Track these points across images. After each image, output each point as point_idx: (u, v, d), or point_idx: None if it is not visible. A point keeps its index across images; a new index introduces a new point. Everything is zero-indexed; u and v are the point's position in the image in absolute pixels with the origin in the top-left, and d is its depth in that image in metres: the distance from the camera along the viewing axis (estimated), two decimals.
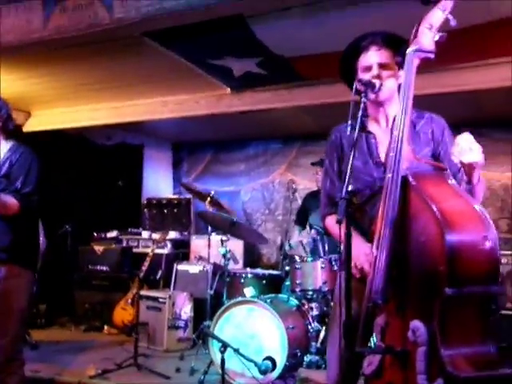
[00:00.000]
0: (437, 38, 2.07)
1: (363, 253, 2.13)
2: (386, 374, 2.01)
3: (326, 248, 4.31)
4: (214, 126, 6.84)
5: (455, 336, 1.82)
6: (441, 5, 2.05)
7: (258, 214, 7.74)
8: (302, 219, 5.34)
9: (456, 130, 2.24)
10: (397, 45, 2.25)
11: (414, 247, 1.92)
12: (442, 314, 1.81)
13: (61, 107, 6.30)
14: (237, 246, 5.99)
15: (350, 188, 1.90)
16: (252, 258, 6.87)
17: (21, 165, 3.10)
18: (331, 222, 2.38)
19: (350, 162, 1.95)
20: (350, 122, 2.03)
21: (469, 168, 1.99)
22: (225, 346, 3.75)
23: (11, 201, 3.00)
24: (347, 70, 2.39)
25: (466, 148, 1.96)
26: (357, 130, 2.00)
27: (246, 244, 6.33)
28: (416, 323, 1.86)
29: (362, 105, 2.09)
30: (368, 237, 2.20)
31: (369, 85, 2.17)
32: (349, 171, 1.93)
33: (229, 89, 5.49)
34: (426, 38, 2.07)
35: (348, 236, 1.89)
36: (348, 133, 2.02)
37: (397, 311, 1.99)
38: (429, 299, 1.85)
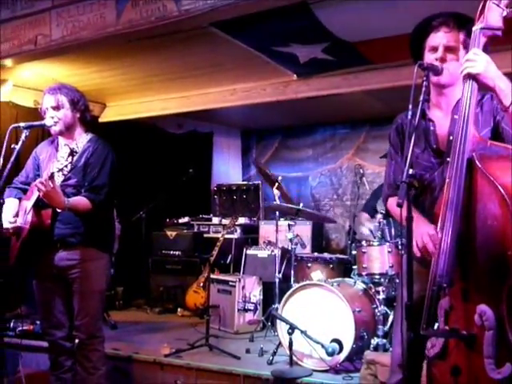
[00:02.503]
0: (505, 13, 1.98)
1: (426, 232, 2.10)
2: (450, 357, 2.02)
3: (393, 232, 4.30)
4: (282, 112, 6.89)
5: None
6: None
7: (327, 199, 7.76)
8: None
9: None
10: (469, 27, 2.16)
11: (480, 230, 1.90)
12: (511, 298, 1.80)
13: (134, 98, 6.51)
14: (305, 230, 6.03)
15: (410, 172, 1.91)
16: (321, 242, 6.89)
17: (96, 158, 3.25)
18: (393, 203, 2.35)
19: (410, 147, 1.95)
20: (410, 108, 2.02)
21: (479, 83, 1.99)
22: (292, 328, 3.85)
23: (83, 203, 3.16)
24: (417, 48, 2.35)
25: (465, 59, 1.99)
26: (417, 117, 2.00)
27: (314, 229, 6.35)
28: (483, 307, 1.85)
29: (423, 88, 2.07)
30: (430, 218, 2.19)
31: (430, 68, 2.15)
32: (409, 156, 1.94)
33: (295, 75, 5.52)
34: (494, 14, 1.98)
35: (409, 219, 1.91)
36: (409, 118, 2.02)
37: (462, 295, 1.97)
38: (496, 284, 1.83)
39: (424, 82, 2.09)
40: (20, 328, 4.65)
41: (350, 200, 7.41)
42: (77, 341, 3.30)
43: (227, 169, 8.47)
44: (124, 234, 6.08)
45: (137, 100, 6.58)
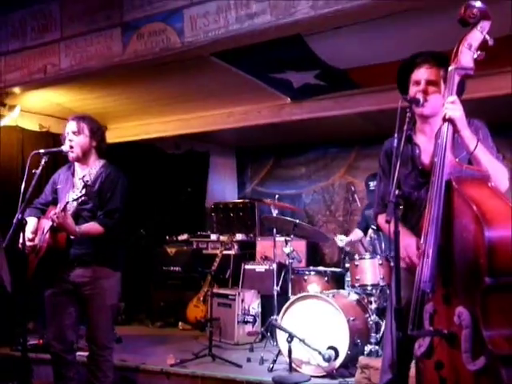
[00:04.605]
0: (475, 56, 2.30)
1: (411, 247, 2.39)
2: (434, 355, 2.29)
3: (383, 246, 4.57)
4: (276, 132, 7.12)
5: (495, 319, 2.06)
6: (479, 26, 2.28)
7: (320, 215, 8.01)
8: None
9: None
10: (448, 65, 2.45)
11: (457, 242, 2.19)
12: (483, 300, 2.06)
13: (135, 121, 6.76)
14: (300, 246, 6.25)
15: (397, 192, 2.21)
16: (315, 257, 7.12)
17: (109, 183, 3.50)
18: (382, 219, 2.65)
19: (397, 170, 2.25)
20: (396, 136, 2.32)
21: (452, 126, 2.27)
22: (291, 337, 4.10)
23: (94, 228, 3.42)
24: (403, 81, 2.69)
25: (449, 101, 2.27)
26: (402, 143, 2.29)
27: (308, 244, 6.59)
28: (460, 309, 2.13)
29: (407, 119, 2.38)
30: (416, 232, 2.48)
31: (412, 101, 2.47)
32: (396, 179, 2.23)
33: (289, 99, 5.82)
34: (466, 56, 2.30)
35: (396, 234, 2.19)
36: (395, 145, 2.32)
37: (443, 299, 2.25)
38: (471, 288, 2.10)
39: (408, 114, 2.39)
40: (30, 342, 4.85)
41: (342, 216, 7.68)
42: (79, 353, 3.54)
43: (223, 187, 8.69)
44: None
45: (137, 122, 6.81)
